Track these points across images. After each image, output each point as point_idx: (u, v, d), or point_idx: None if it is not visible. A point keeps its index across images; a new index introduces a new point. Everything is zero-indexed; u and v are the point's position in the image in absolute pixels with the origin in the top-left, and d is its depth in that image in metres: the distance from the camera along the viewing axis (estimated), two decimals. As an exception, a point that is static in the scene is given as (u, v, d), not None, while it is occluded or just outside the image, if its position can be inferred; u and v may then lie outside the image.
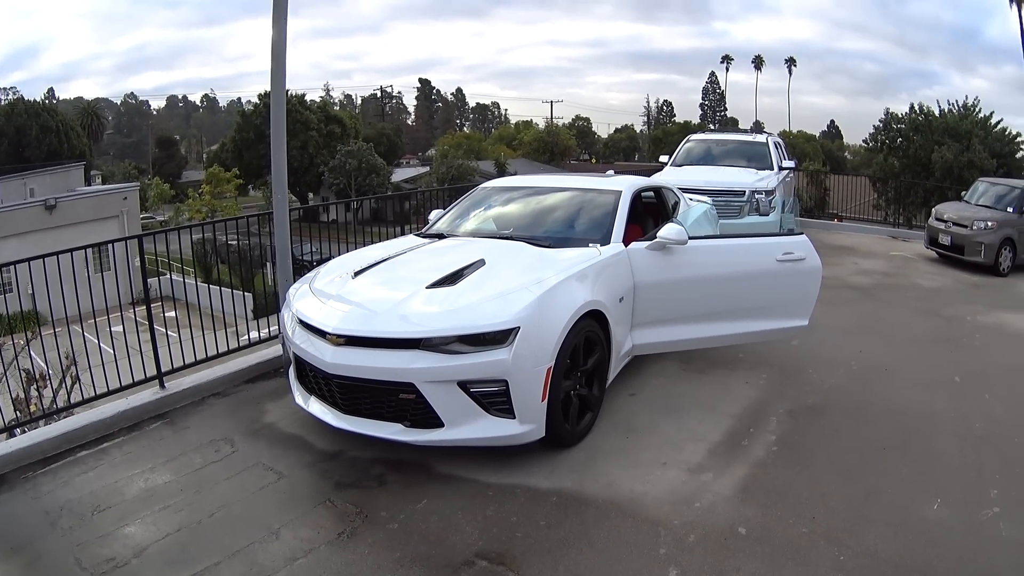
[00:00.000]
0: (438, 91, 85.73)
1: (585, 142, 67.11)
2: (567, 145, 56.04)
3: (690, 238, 4.45)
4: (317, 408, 3.87)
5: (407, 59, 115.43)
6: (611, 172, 6.59)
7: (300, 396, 4.05)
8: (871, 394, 4.76)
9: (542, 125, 62.99)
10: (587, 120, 73.72)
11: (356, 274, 4.18)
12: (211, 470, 3.79)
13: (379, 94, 77.25)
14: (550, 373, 3.49)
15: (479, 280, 3.81)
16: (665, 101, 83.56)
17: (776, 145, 10.23)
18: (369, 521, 3.25)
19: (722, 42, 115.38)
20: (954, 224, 9.88)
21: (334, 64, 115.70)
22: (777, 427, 4.16)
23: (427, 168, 47.13)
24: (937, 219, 10.33)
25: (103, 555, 3.06)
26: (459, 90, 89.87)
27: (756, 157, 9.66)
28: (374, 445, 3.77)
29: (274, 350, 5.40)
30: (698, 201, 6.63)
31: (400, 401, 3.51)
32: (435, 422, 3.49)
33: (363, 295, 3.89)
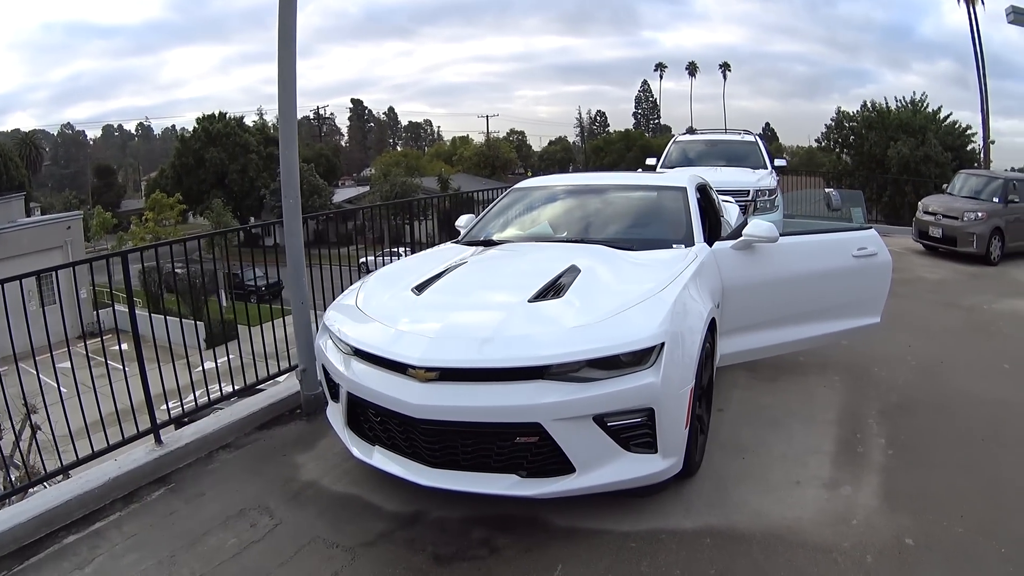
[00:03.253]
0: (370, 111, 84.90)
1: (521, 155, 67.43)
2: (508, 158, 56.18)
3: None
4: (390, 463, 3.17)
5: (338, 80, 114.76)
6: (640, 171, 6.50)
7: (358, 448, 3.37)
8: (943, 387, 4.83)
9: (477, 140, 63.10)
10: (522, 134, 74.24)
11: (419, 289, 3.56)
12: (255, 554, 2.97)
13: (313, 116, 75.93)
14: (692, 394, 3.12)
15: (587, 290, 3.35)
16: (598, 112, 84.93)
17: (764, 145, 10.32)
18: None
19: (651, 51, 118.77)
20: (944, 216, 10.27)
21: (265, 88, 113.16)
22: (879, 429, 4.13)
23: (367, 188, 46.57)
24: (925, 212, 10.71)
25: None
26: (391, 109, 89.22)
27: (747, 156, 9.67)
28: (462, 501, 3.13)
29: (287, 387, 4.73)
30: (724, 201, 6.58)
31: (515, 446, 2.95)
32: (562, 468, 2.94)
33: (446, 316, 3.26)
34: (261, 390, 4.87)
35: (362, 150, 78.58)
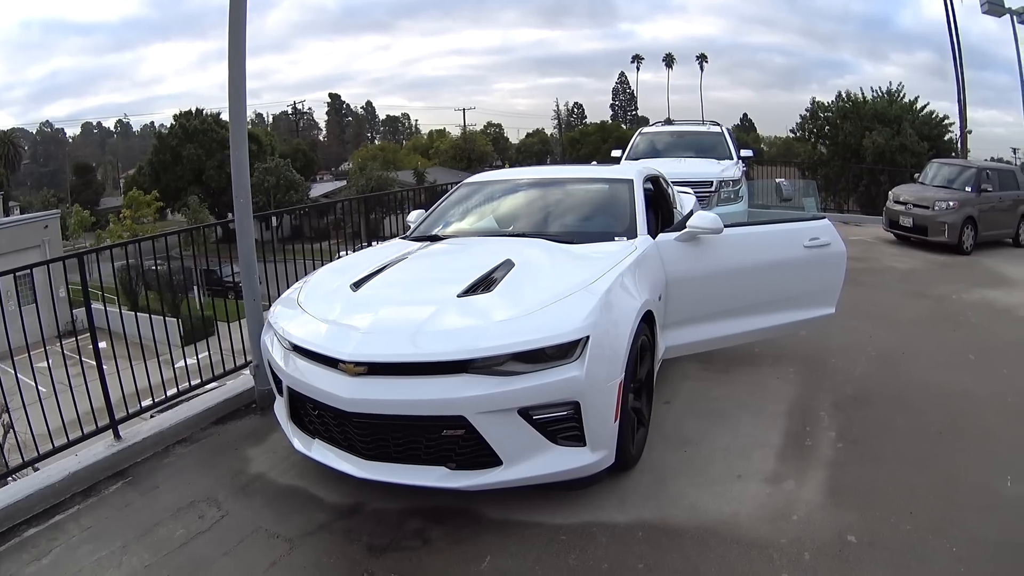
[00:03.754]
0: (348, 105, 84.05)
1: (498, 147, 67.14)
2: (484, 151, 55.99)
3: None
4: (328, 455, 3.20)
5: (315, 75, 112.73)
6: (595, 163, 6.35)
7: (299, 441, 3.38)
8: (901, 378, 4.69)
9: (455, 133, 62.81)
10: (499, 126, 73.90)
11: (355, 286, 3.54)
12: (201, 544, 3.04)
13: (290, 111, 75.21)
14: (621, 388, 3.07)
15: (518, 284, 3.31)
16: (576, 104, 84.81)
17: (731, 135, 10.24)
18: None
19: (628, 43, 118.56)
20: (915, 206, 10.21)
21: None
22: (831, 422, 3.98)
23: (344, 182, 46.16)
24: (896, 202, 10.65)
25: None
26: (368, 103, 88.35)
27: (713, 147, 9.61)
28: (400, 493, 3.14)
29: (242, 382, 4.75)
30: (680, 192, 6.45)
31: (442, 439, 2.93)
32: (490, 460, 2.92)
33: (378, 311, 3.23)
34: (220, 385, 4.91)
35: (340, 144, 77.87)
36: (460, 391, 2.82)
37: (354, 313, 3.25)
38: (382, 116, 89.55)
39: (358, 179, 39.86)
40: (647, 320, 3.52)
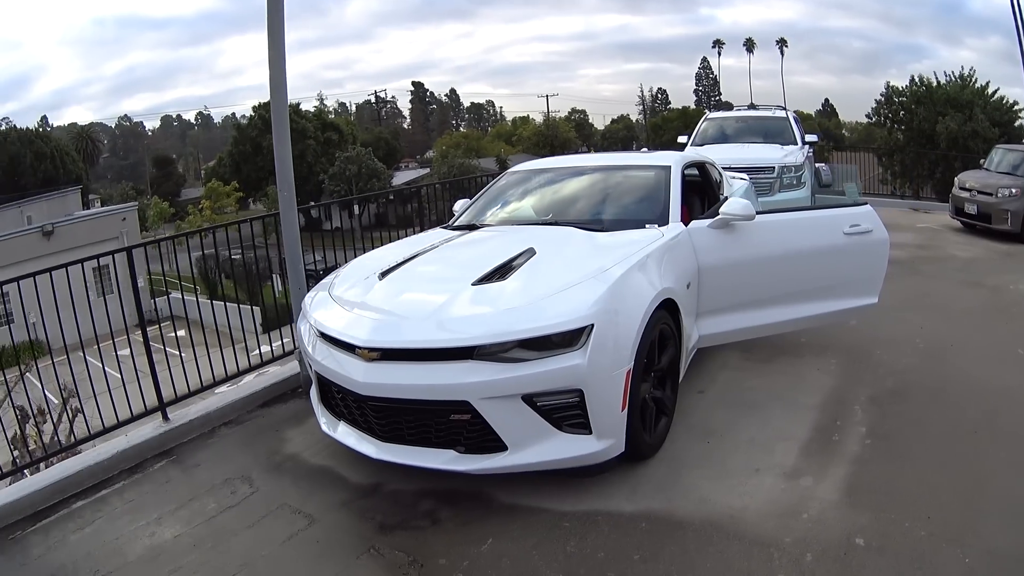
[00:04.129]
0: (432, 93, 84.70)
1: (583, 134, 66.21)
2: (567, 137, 55.35)
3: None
4: (349, 436, 3.31)
5: (398, 64, 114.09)
6: (645, 149, 6.17)
7: (326, 422, 3.50)
8: (945, 373, 4.35)
9: (539, 120, 62.32)
10: (583, 112, 72.84)
11: (382, 275, 3.59)
12: (228, 517, 3.20)
13: (373, 100, 76.35)
14: (630, 376, 3.00)
15: (533, 272, 3.28)
16: (659, 89, 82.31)
17: (796, 120, 9.77)
18: (427, 571, 2.71)
19: (709, 28, 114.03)
20: (979, 193, 9.46)
21: (325, 73, 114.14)
22: (864, 417, 3.75)
23: (427, 170, 46.66)
24: (961, 188, 9.91)
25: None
26: (452, 91, 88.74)
27: (778, 132, 9.20)
28: (419, 475, 3.20)
29: (291, 367, 4.85)
30: (736, 178, 6.19)
31: (451, 423, 2.97)
32: (496, 445, 2.93)
33: (396, 299, 3.30)
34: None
35: (425, 132, 78.71)
36: (465, 377, 2.84)
37: (374, 301, 3.32)
38: (466, 103, 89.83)
39: (440, 167, 40.20)
40: (668, 308, 3.42)
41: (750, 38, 75.82)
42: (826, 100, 72.85)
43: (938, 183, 16.31)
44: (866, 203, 4.35)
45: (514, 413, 2.86)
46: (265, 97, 49.54)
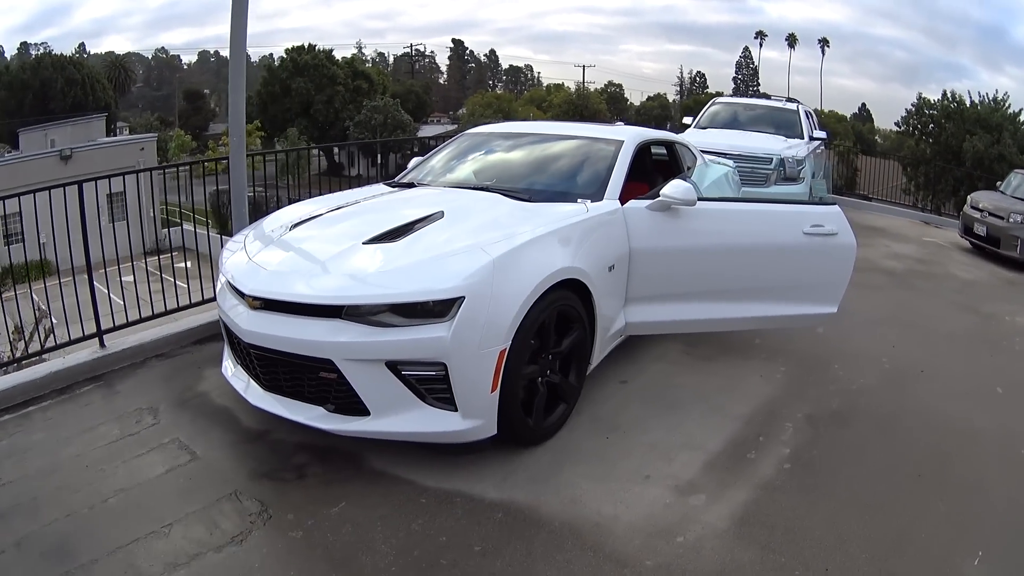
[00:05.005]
0: (471, 52, 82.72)
1: (617, 108, 64.66)
2: (597, 109, 54.12)
3: (701, 199, 3.56)
4: (239, 381, 3.20)
5: (441, 20, 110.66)
6: (620, 122, 5.64)
7: (229, 364, 3.40)
8: (904, 401, 3.83)
9: (573, 88, 61.04)
10: (620, 86, 71.03)
11: (293, 227, 3.42)
12: (124, 444, 3.16)
13: (411, 51, 74.94)
14: (504, 357, 2.66)
15: (429, 236, 3.00)
16: (698, 72, 79.83)
17: (807, 114, 9.17)
18: (272, 524, 2.55)
19: (755, 18, 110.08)
20: (990, 215, 8.78)
21: (367, 23, 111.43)
22: (793, 437, 3.29)
23: (455, 126, 45.93)
24: (973, 207, 9.22)
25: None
26: (492, 52, 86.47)
27: (785, 124, 8.62)
28: (304, 428, 3.01)
29: None
30: (720, 163, 5.67)
31: (322, 380, 2.77)
32: (360, 409, 2.72)
33: (290, 251, 3.15)
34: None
35: (460, 90, 77.30)
36: (330, 335, 2.66)
37: (272, 251, 3.20)
38: (505, 65, 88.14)
39: (467, 125, 39.43)
40: (576, 289, 3.04)
41: (792, 33, 73.20)
42: (863, 104, 70.52)
43: (960, 201, 15.61)
44: (834, 203, 3.84)
45: (378, 379, 2.64)
46: (305, 40, 48.88)
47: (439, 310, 2.59)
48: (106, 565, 2.35)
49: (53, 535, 2.52)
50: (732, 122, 8.94)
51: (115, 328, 4.27)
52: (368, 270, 2.80)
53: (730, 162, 6.00)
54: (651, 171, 4.68)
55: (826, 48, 72.04)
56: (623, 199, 3.60)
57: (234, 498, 2.71)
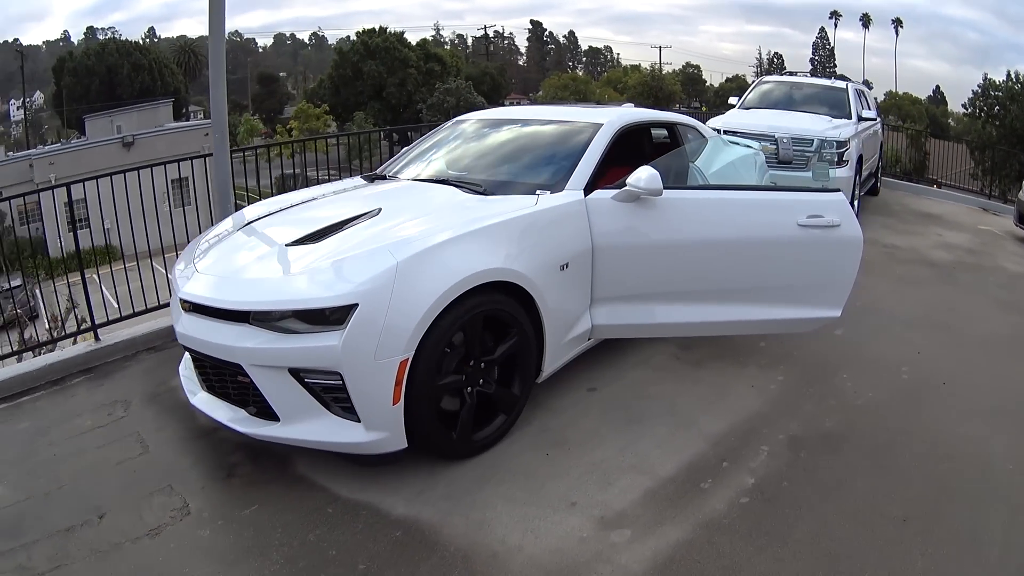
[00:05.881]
0: (551, 33, 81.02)
1: (695, 89, 62.12)
2: (672, 90, 52.15)
3: (670, 187, 3.13)
4: (187, 381, 3.08)
5: (520, 1, 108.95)
6: (629, 104, 5.12)
7: (183, 363, 3.28)
8: (914, 421, 3.23)
9: (649, 69, 59.04)
10: (697, 68, 68.10)
11: (244, 226, 3.25)
12: (91, 436, 3.16)
13: (486, 33, 73.93)
14: (406, 368, 2.40)
15: (351, 237, 2.74)
16: (776, 54, 75.32)
17: (858, 93, 8.23)
18: (188, 520, 2.49)
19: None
20: (1045, 201, 7.69)
21: (445, 4, 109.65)
22: (764, 463, 2.81)
23: (531, 108, 44.99)
24: (1028, 193, 8.11)
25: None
26: (571, 33, 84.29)
27: (832, 104, 7.78)
28: None
29: None
30: (740, 145, 5.08)
31: (241, 384, 2.64)
32: (273, 414, 2.55)
33: (225, 253, 2.99)
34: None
35: (540, 72, 75.99)
36: (238, 340, 2.52)
37: (210, 254, 3.04)
38: (584, 47, 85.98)
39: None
40: (511, 291, 2.71)
41: (866, 13, 67.87)
42: (937, 87, 64.91)
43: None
44: (838, 190, 3.29)
45: (284, 385, 2.47)
46: (383, 23, 48.11)
47: (336, 317, 2.37)
48: (43, 546, 2.40)
49: (11, 515, 2.59)
50: (778, 101, 8.16)
51: (109, 322, 4.32)
52: (279, 274, 2.62)
53: (755, 144, 5.39)
54: (651, 156, 4.21)
55: (900, 29, 66.77)
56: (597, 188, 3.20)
57: (165, 493, 2.66)
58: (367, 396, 2.39)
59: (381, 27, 43.22)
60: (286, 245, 2.78)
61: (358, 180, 3.92)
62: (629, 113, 3.97)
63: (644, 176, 3.02)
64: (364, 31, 43.13)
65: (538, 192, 3.08)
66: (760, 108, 7.98)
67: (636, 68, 62.75)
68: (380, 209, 2.95)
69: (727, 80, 69.20)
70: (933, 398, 3.50)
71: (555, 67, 74.87)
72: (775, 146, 5.74)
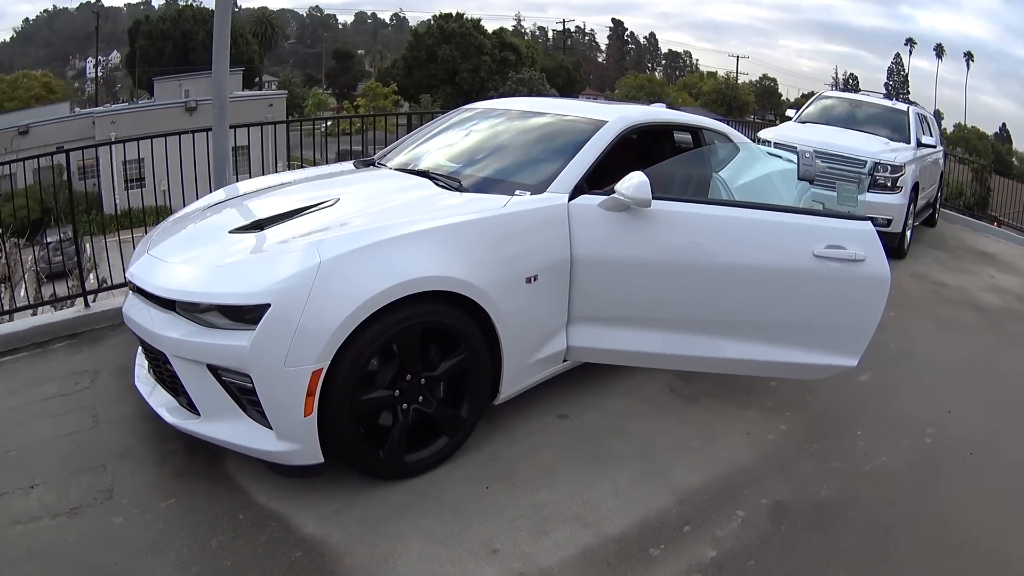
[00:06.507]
0: (632, 34, 79.39)
1: (771, 102, 60.03)
2: (745, 100, 50.50)
3: (661, 198, 2.73)
4: (139, 357, 2.93)
5: None
6: (661, 105, 4.66)
7: None
8: (926, 500, 2.72)
9: (724, 77, 57.36)
10: (774, 80, 65.91)
11: (210, 206, 3.10)
12: (50, 404, 3.06)
13: (565, 27, 72.71)
14: (319, 378, 2.15)
15: (294, 227, 2.51)
16: (851, 74, 72.13)
17: (920, 118, 7.50)
18: (107, 505, 2.36)
19: (907, 26, 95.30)
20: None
21: None
22: (735, 533, 2.40)
23: (605, 104, 44.35)
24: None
25: None
26: (652, 35, 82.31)
27: (893, 126, 7.13)
28: None
29: None
30: (779, 157, 4.55)
31: (171, 373, 2.44)
32: (195, 408, 2.38)
33: (177, 237, 2.80)
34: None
35: (618, 70, 74.77)
36: (162, 329, 2.36)
37: (165, 236, 2.86)
38: (664, 50, 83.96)
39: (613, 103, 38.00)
40: (458, 303, 2.42)
41: (940, 44, 64.24)
42: (1003, 124, 60.95)
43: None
44: (867, 218, 2.82)
45: (203, 381, 2.30)
46: (466, 10, 46.82)
47: (251, 317, 2.16)
48: None
49: None
50: (836, 118, 7.60)
51: (100, 289, 4.27)
52: (209, 263, 2.42)
53: (794, 157, 4.86)
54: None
55: (971, 63, 63.36)
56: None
57: (97, 472, 2.54)
58: (277, 404, 2.17)
59: (458, 12, 42.94)
60: (229, 232, 2.58)
61: (347, 165, 3.67)
62: (639, 112, 3.53)
63: (633, 183, 2.62)
64: (441, 15, 42.92)
65: (517, 192, 2.75)
66: (817, 123, 7.46)
67: (712, 75, 61.22)
68: (338, 199, 2.72)
69: (803, 96, 66.37)
70: (955, 471, 2.97)
71: (634, 67, 73.48)
72: (825, 164, 5.23)
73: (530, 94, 36.34)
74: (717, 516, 2.46)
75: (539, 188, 2.79)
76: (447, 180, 2.94)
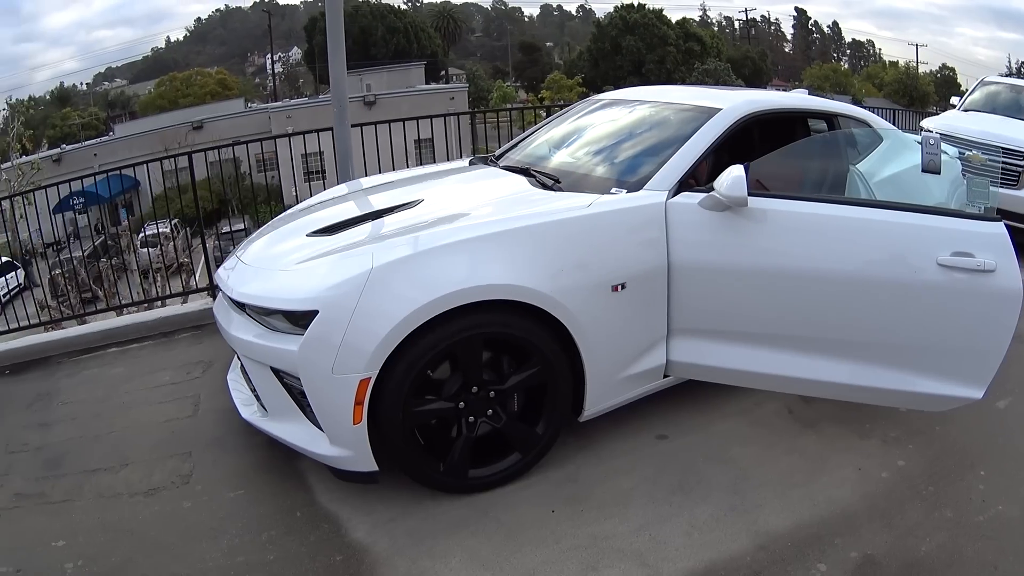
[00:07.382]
0: (815, 23, 73.82)
1: (949, 92, 53.14)
2: (925, 91, 45.31)
3: (752, 195, 2.35)
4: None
5: None
6: (803, 91, 4.12)
7: None
8: None
9: (904, 67, 51.75)
10: (952, 70, 58.02)
11: (301, 210, 3.16)
12: (161, 391, 3.28)
13: (748, 17, 68.99)
14: (367, 388, 2.09)
15: (360, 232, 2.51)
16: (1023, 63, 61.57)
17: None
18: (181, 490, 2.51)
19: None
20: None
21: None
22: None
23: (792, 94, 41.86)
24: None
25: (20, 440, 2.94)
26: (835, 24, 75.75)
27: None
28: None
29: None
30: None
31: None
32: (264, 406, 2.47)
33: (268, 236, 2.89)
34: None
35: (805, 60, 69.65)
36: (238, 330, 2.42)
37: (261, 235, 2.94)
38: (848, 39, 76.94)
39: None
40: (530, 313, 2.24)
41: None
42: None
43: None
44: (998, 219, 2.28)
45: (268, 380, 2.34)
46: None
47: (304, 322, 2.16)
48: (67, 481, 2.60)
49: (62, 448, 2.83)
50: (1003, 106, 6.60)
51: None
52: (280, 267, 2.46)
53: (952, 150, 4.08)
54: None
55: None
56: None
57: (183, 458, 2.71)
58: (326, 410, 2.17)
59: (639, 3, 42.21)
60: (307, 235, 2.62)
61: (459, 163, 3.65)
62: (760, 98, 3.08)
63: (727, 179, 2.30)
64: (623, 6, 42.62)
65: (613, 190, 2.54)
66: (982, 112, 6.57)
67: (894, 64, 55.63)
68: (422, 200, 2.69)
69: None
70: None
71: (820, 57, 68.29)
72: (986, 155, 4.43)
73: (716, 83, 35.05)
74: (794, 568, 2.08)
75: (636, 185, 2.55)
76: (545, 178, 2.79)
